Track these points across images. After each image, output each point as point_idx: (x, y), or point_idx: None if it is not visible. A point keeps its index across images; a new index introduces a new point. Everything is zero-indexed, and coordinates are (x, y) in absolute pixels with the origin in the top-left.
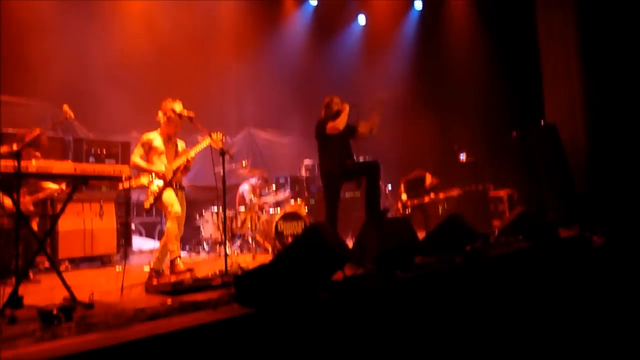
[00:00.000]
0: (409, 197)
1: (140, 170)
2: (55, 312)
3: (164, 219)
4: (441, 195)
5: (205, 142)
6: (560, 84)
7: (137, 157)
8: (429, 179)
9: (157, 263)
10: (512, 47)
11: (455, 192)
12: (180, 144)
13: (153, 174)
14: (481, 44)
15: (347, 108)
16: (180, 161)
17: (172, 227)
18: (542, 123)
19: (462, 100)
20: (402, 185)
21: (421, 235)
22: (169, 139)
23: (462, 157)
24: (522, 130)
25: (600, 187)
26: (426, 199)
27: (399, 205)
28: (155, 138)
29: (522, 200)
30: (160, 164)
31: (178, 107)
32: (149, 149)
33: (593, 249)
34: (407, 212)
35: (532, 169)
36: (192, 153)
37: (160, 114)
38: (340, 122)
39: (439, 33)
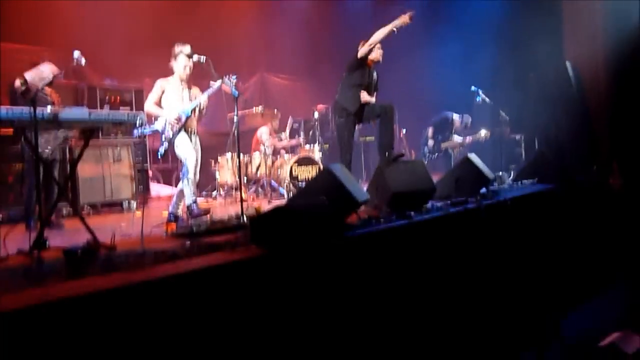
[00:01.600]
0: (435, 141)
1: (154, 116)
2: (79, 252)
3: (180, 165)
4: (468, 140)
5: (217, 85)
6: (581, 20)
7: (150, 103)
8: (457, 121)
9: (175, 207)
10: None
11: (482, 135)
12: (195, 90)
13: (167, 119)
14: None
15: (390, 26)
16: (193, 105)
17: (187, 172)
18: (562, 62)
19: (478, 40)
20: (429, 130)
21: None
22: (182, 84)
23: (479, 99)
24: (541, 70)
25: (620, 128)
26: (453, 143)
27: (426, 150)
28: (169, 83)
29: (539, 143)
30: (174, 109)
31: (187, 49)
32: (162, 94)
33: (610, 192)
34: (432, 158)
35: (550, 110)
36: (205, 96)
37: (172, 59)
38: (372, 41)
39: None
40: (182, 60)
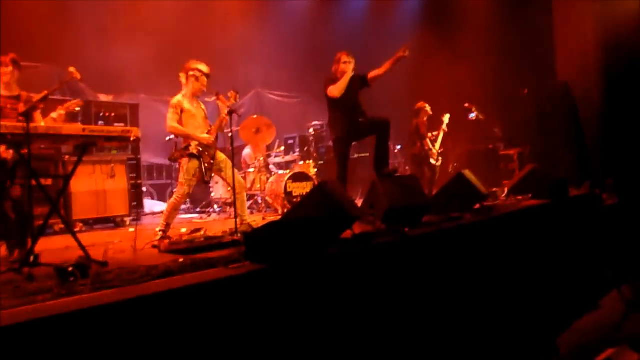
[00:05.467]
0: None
1: (184, 137)
2: (71, 269)
3: (175, 182)
4: None
5: (232, 101)
6: (573, 37)
7: (174, 123)
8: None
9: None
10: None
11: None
12: (201, 104)
13: (201, 142)
14: None
15: (348, 74)
16: (217, 125)
17: (180, 195)
18: (554, 79)
19: (473, 57)
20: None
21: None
22: (194, 101)
23: (472, 115)
24: (534, 87)
25: (612, 144)
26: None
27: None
28: (184, 101)
29: (533, 158)
30: (197, 130)
31: (204, 67)
32: (181, 112)
33: (603, 208)
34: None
35: (543, 127)
36: (225, 112)
37: (182, 75)
38: (337, 89)
39: None
40: (197, 76)
